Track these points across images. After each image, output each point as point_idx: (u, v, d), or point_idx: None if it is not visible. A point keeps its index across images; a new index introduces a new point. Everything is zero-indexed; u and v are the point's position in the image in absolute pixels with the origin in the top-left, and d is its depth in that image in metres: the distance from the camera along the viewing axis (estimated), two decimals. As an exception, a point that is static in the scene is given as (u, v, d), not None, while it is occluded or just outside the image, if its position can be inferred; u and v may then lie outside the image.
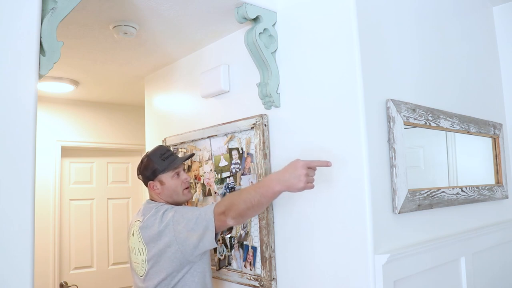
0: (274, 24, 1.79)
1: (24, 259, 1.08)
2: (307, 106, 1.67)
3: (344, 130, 1.52)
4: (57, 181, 3.49)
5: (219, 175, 2.06)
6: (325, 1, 1.61)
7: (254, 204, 1.47)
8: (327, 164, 1.43)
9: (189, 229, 1.58)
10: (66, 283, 3.40)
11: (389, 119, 1.57)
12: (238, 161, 1.95)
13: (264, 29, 1.74)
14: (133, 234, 1.76)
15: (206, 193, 2.15)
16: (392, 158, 1.55)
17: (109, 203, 3.83)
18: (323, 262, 1.57)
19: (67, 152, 3.59)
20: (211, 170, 2.12)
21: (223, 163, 2.04)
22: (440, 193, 1.79)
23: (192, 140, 2.23)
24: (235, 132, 1.96)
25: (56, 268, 3.41)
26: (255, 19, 1.73)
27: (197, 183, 2.21)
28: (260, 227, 1.79)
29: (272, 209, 1.77)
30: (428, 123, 1.76)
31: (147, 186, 1.84)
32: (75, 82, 2.92)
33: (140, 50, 2.26)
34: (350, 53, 1.50)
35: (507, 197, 2.28)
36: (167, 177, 1.79)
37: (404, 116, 1.61)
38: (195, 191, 2.22)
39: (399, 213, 1.54)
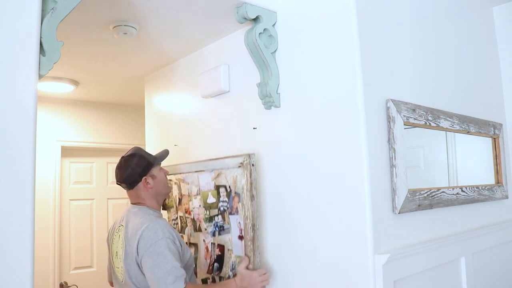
0: (274, 24, 1.79)
1: (24, 259, 1.08)
2: (307, 106, 1.67)
3: (344, 130, 1.52)
4: (57, 181, 3.48)
5: (208, 211, 1.98)
6: (325, 1, 1.61)
7: None
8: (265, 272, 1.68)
9: (153, 273, 1.56)
10: (66, 283, 3.40)
11: (389, 119, 1.57)
12: (226, 199, 1.87)
13: (264, 29, 1.74)
14: (119, 238, 1.75)
15: (197, 229, 2.05)
16: (392, 158, 1.55)
17: (109, 203, 3.83)
18: (322, 262, 1.56)
19: (67, 152, 3.58)
20: (200, 205, 2.03)
21: (211, 199, 1.96)
22: (440, 193, 1.79)
23: (180, 173, 2.14)
24: (222, 168, 1.88)
25: (56, 268, 3.41)
26: (255, 19, 1.73)
27: (187, 217, 2.12)
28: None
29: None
30: (428, 123, 1.76)
31: (132, 188, 1.80)
32: (75, 82, 2.92)
33: (140, 50, 2.26)
34: (350, 53, 1.50)
35: (507, 197, 2.28)
36: (156, 170, 1.83)
37: (404, 116, 1.61)
38: (186, 226, 2.13)
39: (399, 213, 1.54)
